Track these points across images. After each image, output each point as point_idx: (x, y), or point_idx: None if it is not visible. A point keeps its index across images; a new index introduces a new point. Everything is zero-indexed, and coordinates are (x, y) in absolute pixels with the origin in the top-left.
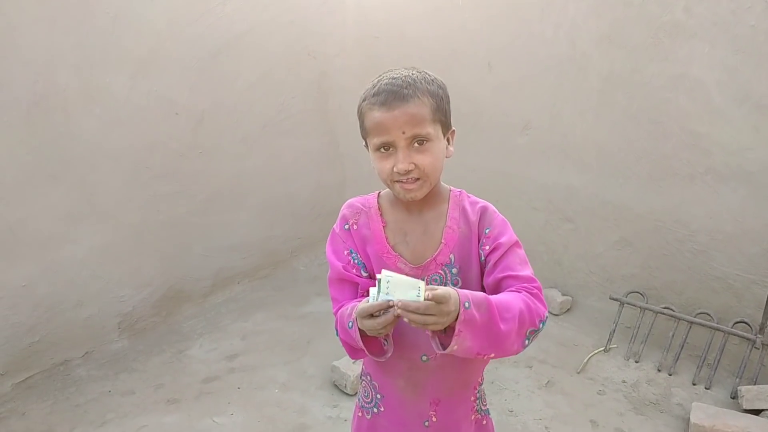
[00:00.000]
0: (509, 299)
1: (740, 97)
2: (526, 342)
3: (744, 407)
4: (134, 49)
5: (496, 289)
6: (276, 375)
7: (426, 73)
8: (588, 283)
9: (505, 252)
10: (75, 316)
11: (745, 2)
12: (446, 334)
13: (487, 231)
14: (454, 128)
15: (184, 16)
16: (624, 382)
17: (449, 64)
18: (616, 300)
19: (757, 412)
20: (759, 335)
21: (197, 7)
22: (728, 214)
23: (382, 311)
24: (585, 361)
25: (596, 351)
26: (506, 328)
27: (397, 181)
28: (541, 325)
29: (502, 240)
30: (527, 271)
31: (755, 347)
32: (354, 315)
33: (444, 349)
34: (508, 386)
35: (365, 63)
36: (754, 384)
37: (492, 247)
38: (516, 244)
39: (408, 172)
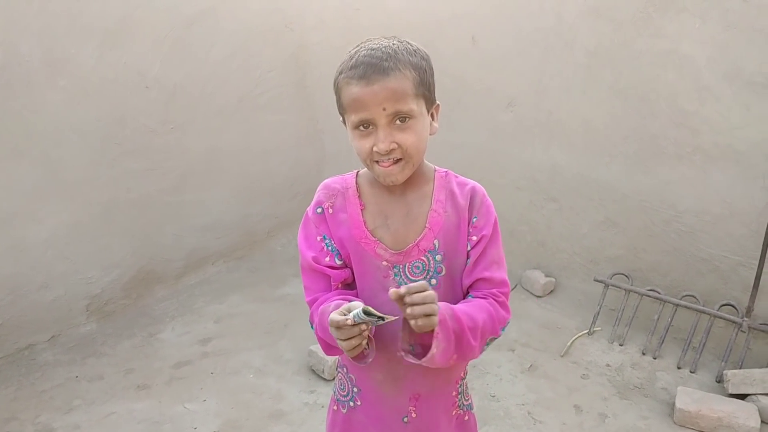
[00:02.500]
0: (475, 310)
1: (731, 74)
2: (485, 347)
3: (730, 391)
4: (101, 18)
5: (469, 288)
6: (251, 359)
7: (408, 43)
8: (572, 264)
9: (485, 249)
10: (40, 298)
11: None
12: (416, 351)
13: (474, 220)
14: (438, 102)
15: None
16: (608, 365)
17: (432, 38)
18: (600, 282)
19: (742, 396)
20: (745, 318)
21: None
22: (716, 194)
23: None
24: (568, 344)
25: (580, 334)
26: (471, 337)
27: (377, 161)
28: (501, 331)
29: (485, 232)
30: (501, 273)
31: (741, 330)
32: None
33: (420, 358)
34: (490, 370)
35: (345, 36)
36: (740, 368)
37: (477, 239)
38: (495, 237)
39: (389, 152)
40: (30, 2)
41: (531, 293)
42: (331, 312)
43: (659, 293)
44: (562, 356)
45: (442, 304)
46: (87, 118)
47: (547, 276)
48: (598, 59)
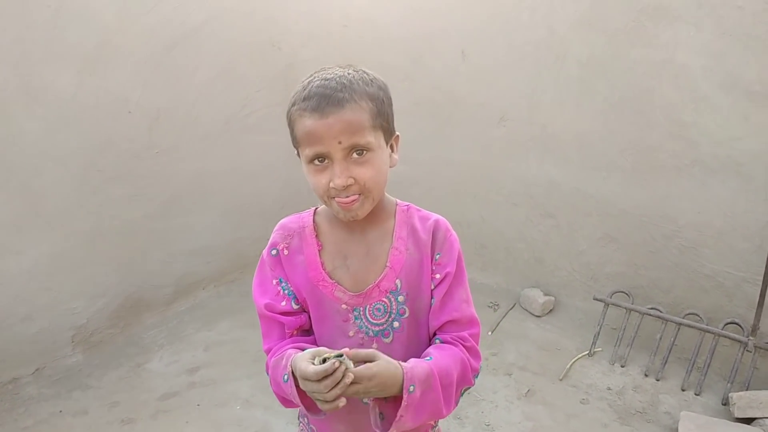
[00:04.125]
0: (449, 363)
1: (728, 83)
2: (459, 399)
3: (736, 415)
4: (80, 43)
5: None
6: (239, 390)
7: (364, 72)
8: (571, 282)
9: (450, 288)
10: (24, 330)
11: None
12: (384, 418)
13: (438, 256)
14: (398, 133)
15: (135, 7)
16: (609, 389)
17: (422, 53)
18: (600, 300)
19: (749, 420)
20: (751, 337)
21: None
22: (717, 208)
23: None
24: (568, 366)
25: (580, 355)
26: (446, 396)
27: (334, 198)
28: (474, 379)
29: (449, 269)
30: (470, 310)
31: (747, 350)
32: (290, 367)
33: (384, 430)
34: (485, 396)
35: (334, 53)
36: (746, 388)
37: (441, 277)
38: (460, 274)
39: (347, 187)
40: (5, 30)
41: (530, 313)
42: (286, 364)
43: (661, 312)
44: (561, 380)
45: (419, 370)
46: (67, 146)
47: (546, 294)
48: (591, 71)
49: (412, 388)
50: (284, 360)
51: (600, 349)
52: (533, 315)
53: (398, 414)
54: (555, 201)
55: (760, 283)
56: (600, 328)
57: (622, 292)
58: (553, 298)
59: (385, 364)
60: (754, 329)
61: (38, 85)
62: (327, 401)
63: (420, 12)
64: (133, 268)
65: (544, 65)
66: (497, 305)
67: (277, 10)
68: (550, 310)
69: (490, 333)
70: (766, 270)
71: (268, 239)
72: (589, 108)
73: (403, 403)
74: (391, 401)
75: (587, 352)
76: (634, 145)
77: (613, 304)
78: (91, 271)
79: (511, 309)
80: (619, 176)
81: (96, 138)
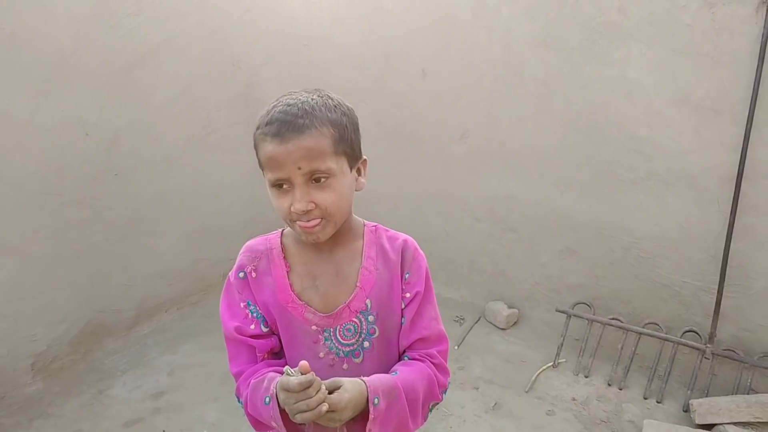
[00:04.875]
0: (415, 378)
1: (679, 98)
2: (428, 414)
3: (696, 422)
4: (36, 66)
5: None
6: (205, 414)
7: (328, 97)
8: (534, 294)
9: (420, 307)
10: None
11: (680, 1)
12: (355, 422)
13: (407, 276)
14: (365, 157)
15: (91, 30)
16: (574, 399)
17: (383, 72)
18: (562, 312)
19: (710, 426)
20: (708, 344)
21: (105, 19)
22: (673, 220)
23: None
24: (533, 378)
25: (544, 367)
26: (413, 411)
27: (296, 221)
28: (443, 395)
29: (419, 288)
30: (438, 328)
31: (705, 357)
32: (273, 390)
33: None
34: (453, 411)
35: (294, 72)
36: (706, 395)
37: (411, 296)
38: (429, 292)
39: (307, 212)
40: None
41: (495, 326)
42: (268, 386)
43: (622, 322)
44: (527, 392)
45: (383, 382)
46: (24, 169)
47: (510, 307)
48: (548, 88)
49: (376, 400)
50: (266, 382)
51: (564, 360)
52: (498, 328)
53: (367, 428)
54: (516, 215)
55: (716, 292)
56: (563, 339)
57: (583, 303)
58: (517, 311)
59: (352, 387)
60: (711, 337)
61: None
62: (310, 409)
63: (380, 32)
64: (94, 293)
65: (503, 83)
66: (463, 319)
67: (236, 29)
68: (515, 323)
69: (456, 347)
70: (721, 279)
71: (232, 260)
72: (547, 124)
73: (370, 416)
74: (358, 418)
75: (552, 363)
76: (591, 160)
77: (575, 316)
78: (50, 296)
79: (476, 323)
80: (578, 190)
81: (53, 161)
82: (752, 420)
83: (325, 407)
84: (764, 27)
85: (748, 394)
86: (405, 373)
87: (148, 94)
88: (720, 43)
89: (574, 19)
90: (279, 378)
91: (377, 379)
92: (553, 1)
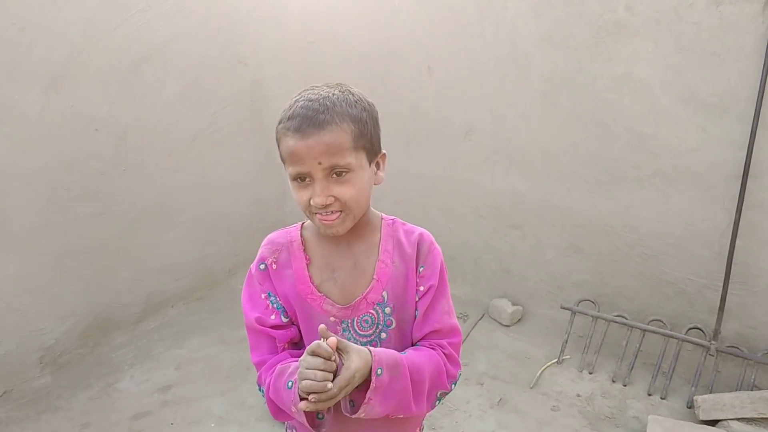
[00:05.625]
0: (423, 361)
1: (686, 96)
2: (436, 403)
3: (701, 418)
4: (46, 62)
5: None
6: (212, 407)
7: (349, 92)
8: (538, 291)
9: (433, 300)
10: None
11: None
12: (358, 390)
13: (421, 269)
14: (384, 152)
15: (101, 26)
16: (578, 395)
17: (388, 68)
18: (567, 309)
19: (714, 422)
20: (713, 341)
21: (115, 15)
22: (677, 217)
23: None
24: (538, 374)
25: (549, 363)
26: (417, 392)
27: (316, 214)
28: (452, 386)
29: (432, 282)
30: (451, 320)
31: (710, 354)
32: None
33: (353, 413)
34: (459, 406)
35: (300, 69)
36: (710, 391)
37: (425, 290)
38: (443, 286)
39: (327, 205)
40: None
41: (499, 323)
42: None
43: (626, 319)
44: (531, 388)
45: (388, 356)
46: (33, 165)
47: (514, 304)
48: (554, 85)
49: (380, 371)
50: (291, 368)
51: (568, 356)
52: (502, 325)
53: (366, 396)
54: (521, 212)
55: (721, 289)
56: (568, 336)
57: (588, 300)
58: (521, 308)
59: (357, 358)
60: (716, 334)
61: (3, 103)
62: (315, 380)
63: (385, 28)
64: (102, 287)
65: (509, 80)
66: (467, 316)
67: (243, 26)
68: (519, 320)
69: None
70: (726, 276)
71: (237, 256)
72: (553, 121)
73: (372, 385)
74: (361, 388)
75: (556, 359)
76: (596, 157)
77: (579, 313)
78: (58, 290)
79: (480, 319)
80: (583, 187)
81: (62, 156)
82: (756, 416)
83: (329, 385)
84: None
85: (752, 390)
86: (413, 355)
87: (156, 90)
88: (726, 41)
89: (581, 16)
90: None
91: (383, 351)
92: None
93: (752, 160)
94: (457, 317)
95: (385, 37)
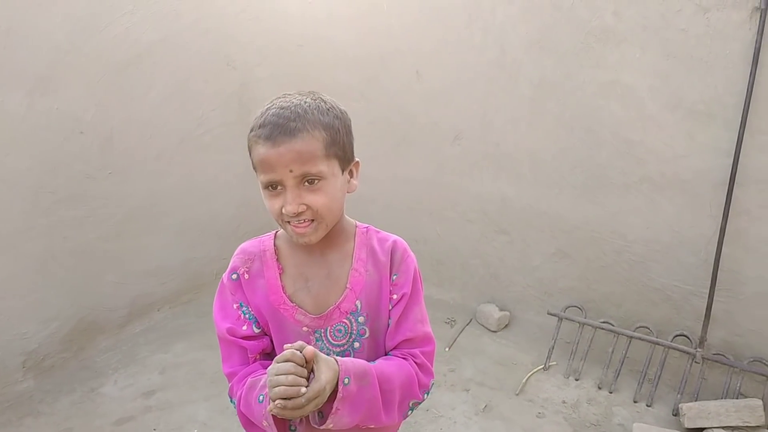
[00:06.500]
0: (393, 371)
1: (673, 103)
2: (408, 413)
3: (686, 426)
4: (30, 64)
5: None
6: (196, 413)
7: (321, 100)
8: (525, 297)
9: (406, 308)
10: None
11: (675, 5)
12: (327, 401)
13: (395, 277)
14: (357, 159)
15: (87, 28)
16: (564, 402)
17: (377, 73)
18: (554, 315)
19: (699, 430)
20: (699, 349)
21: (101, 17)
22: (665, 223)
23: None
24: (524, 381)
25: (535, 369)
26: (387, 402)
27: (288, 222)
28: (425, 395)
29: (405, 290)
30: (424, 329)
31: (695, 361)
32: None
33: (321, 424)
34: (444, 413)
35: (289, 72)
36: (696, 399)
37: (398, 298)
38: (416, 294)
39: (298, 214)
40: None
41: (486, 328)
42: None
43: (613, 325)
44: (517, 394)
45: (356, 365)
46: (17, 167)
47: (501, 310)
48: (542, 91)
49: (347, 380)
50: (263, 381)
51: (555, 362)
52: (489, 330)
53: (334, 406)
54: (509, 218)
55: (707, 297)
56: (554, 342)
57: (575, 306)
58: (508, 313)
59: (327, 369)
60: (702, 341)
61: None
62: (287, 385)
63: (375, 32)
64: (86, 291)
65: (497, 85)
66: (454, 321)
67: (232, 29)
68: (506, 325)
69: (447, 349)
70: (712, 283)
71: (224, 259)
72: (541, 127)
73: (339, 395)
74: (330, 399)
75: (542, 366)
76: (584, 163)
77: (566, 319)
78: (42, 294)
79: (467, 325)
80: (571, 193)
81: (47, 159)
82: (741, 424)
83: (303, 390)
84: (758, 32)
85: (737, 398)
86: (383, 364)
87: (143, 92)
88: (714, 47)
89: (569, 22)
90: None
91: (351, 361)
92: (549, 3)
93: (738, 168)
94: (445, 322)
95: (375, 41)
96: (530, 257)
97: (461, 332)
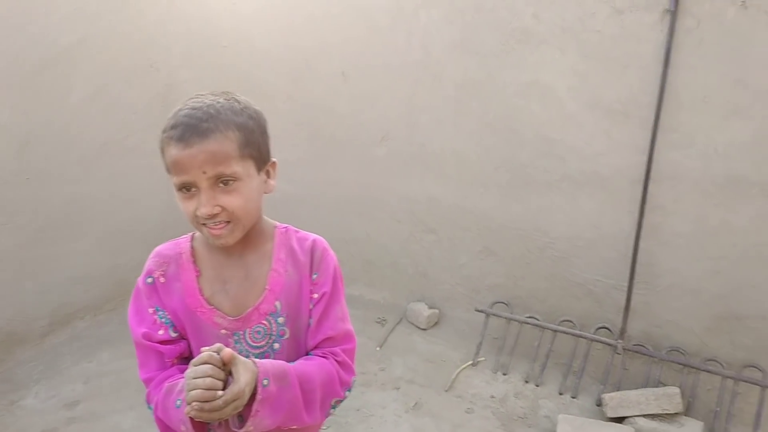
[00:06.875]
0: (313, 370)
1: (591, 102)
2: (331, 411)
3: (608, 415)
4: None
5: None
6: (122, 422)
7: (235, 100)
8: (454, 294)
9: (326, 307)
10: None
11: (591, 8)
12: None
13: (315, 276)
14: (274, 159)
15: (2, 26)
16: (492, 397)
17: (303, 74)
18: (481, 311)
19: (621, 419)
20: (620, 340)
21: (17, 18)
22: (586, 220)
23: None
24: (453, 377)
25: (464, 366)
26: (309, 401)
27: (203, 224)
28: (346, 393)
29: (326, 289)
30: (345, 327)
31: (617, 352)
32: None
33: (240, 427)
34: (374, 412)
35: (214, 74)
36: (618, 389)
37: (318, 297)
38: (337, 292)
39: (213, 215)
40: None
41: (416, 326)
42: (181, 390)
43: (538, 320)
44: (446, 391)
45: (275, 366)
46: None
47: (430, 308)
48: (466, 92)
49: (266, 381)
50: (180, 386)
51: (483, 358)
52: (419, 328)
53: (253, 408)
54: (436, 217)
55: (626, 290)
56: (482, 338)
57: (501, 302)
58: (437, 311)
59: (245, 371)
60: (623, 333)
61: None
62: (204, 388)
63: (300, 33)
64: (4, 301)
65: (422, 86)
66: (385, 320)
67: (154, 30)
68: (436, 323)
69: (378, 348)
70: (631, 277)
71: None
72: (466, 127)
73: (258, 396)
74: (249, 401)
75: (471, 362)
76: (507, 162)
77: (493, 315)
78: None
79: (398, 324)
80: (496, 192)
81: None
82: (660, 412)
83: (219, 393)
84: (668, 34)
85: (657, 387)
86: (302, 364)
87: (62, 95)
88: (628, 48)
89: (490, 24)
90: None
91: (270, 362)
92: (470, 6)
93: (653, 165)
94: (375, 322)
95: (300, 42)
96: (458, 255)
97: (392, 331)
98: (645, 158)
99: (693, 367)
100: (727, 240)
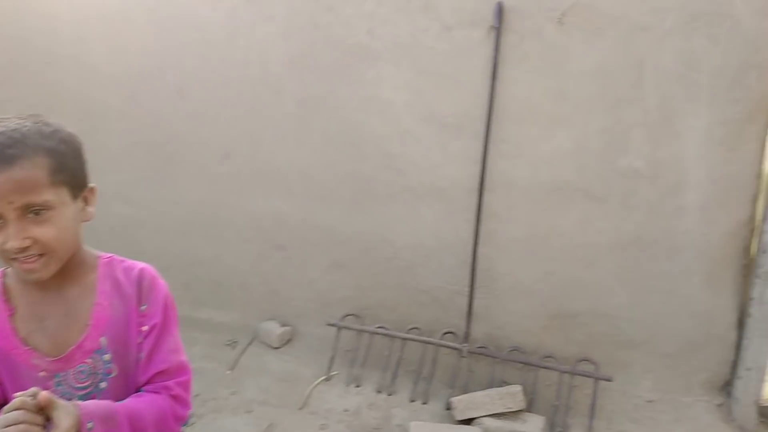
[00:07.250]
0: (143, 407)
1: (427, 116)
2: None
3: (457, 418)
4: None
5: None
6: None
7: (44, 123)
8: (306, 310)
9: (158, 339)
10: None
11: (422, 25)
12: None
13: (143, 308)
14: (93, 185)
15: None
16: (346, 410)
17: (135, 91)
18: (332, 325)
19: (469, 420)
20: (465, 344)
21: None
22: (427, 229)
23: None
24: (307, 394)
25: (317, 381)
26: None
27: (14, 259)
28: (182, 428)
29: (156, 320)
30: (179, 359)
31: (462, 356)
32: None
33: None
34: None
35: (38, 92)
36: (466, 392)
37: (148, 329)
38: (168, 323)
39: (24, 249)
40: None
41: (268, 346)
42: None
43: (388, 329)
44: (300, 409)
45: (99, 407)
46: None
47: (283, 326)
48: (307, 107)
49: (90, 425)
50: None
51: (336, 372)
52: (272, 347)
53: None
54: (284, 233)
55: (468, 295)
56: (335, 352)
57: (352, 314)
58: (290, 328)
59: (66, 416)
60: (467, 336)
61: None
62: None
63: (130, 50)
64: None
65: (262, 102)
66: (236, 342)
67: None
68: (289, 341)
69: (229, 372)
70: (471, 282)
71: None
72: (309, 142)
73: None
74: None
75: (325, 377)
76: (351, 176)
77: (344, 327)
78: None
79: (249, 344)
80: (341, 205)
81: None
82: (504, 410)
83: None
84: (494, 49)
85: (501, 386)
86: (131, 402)
87: None
88: (459, 64)
89: (328, 40)
90: None
91: (93, 403)
92: (307, 22)
93: (486, 174)
94: (225, 345)
95: (131, 59)
96: (308, 271)
97: (243, 353)
98: (479, 169)
99: (532, 365)
100: (556, 243)
